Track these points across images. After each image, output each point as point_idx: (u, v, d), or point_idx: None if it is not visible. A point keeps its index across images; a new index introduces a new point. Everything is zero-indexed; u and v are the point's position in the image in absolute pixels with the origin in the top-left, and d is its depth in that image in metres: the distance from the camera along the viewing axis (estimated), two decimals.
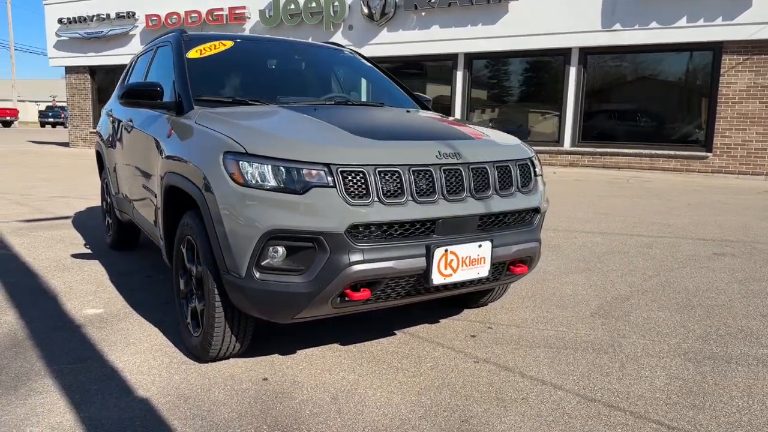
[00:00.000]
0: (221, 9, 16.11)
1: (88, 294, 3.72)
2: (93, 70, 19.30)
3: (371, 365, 2.74)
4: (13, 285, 3.91)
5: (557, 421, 2.27)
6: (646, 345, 3.02)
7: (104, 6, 18.13)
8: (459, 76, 13.92)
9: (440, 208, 2.47)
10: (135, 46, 17.69)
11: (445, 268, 2.46)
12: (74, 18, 18.69)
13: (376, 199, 2.34)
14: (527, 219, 2.85)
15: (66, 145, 20.61)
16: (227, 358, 2.73)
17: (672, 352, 2.93)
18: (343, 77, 4.09)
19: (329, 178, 2.29)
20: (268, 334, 3.07)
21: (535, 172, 2.90)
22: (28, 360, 2.75)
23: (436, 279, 2.45)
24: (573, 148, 12.91)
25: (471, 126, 3.19)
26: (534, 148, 3.14)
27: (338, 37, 14.63)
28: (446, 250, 2.45)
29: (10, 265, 4.39)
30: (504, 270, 2.78)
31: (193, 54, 3.42)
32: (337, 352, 2.88)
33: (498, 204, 2.66)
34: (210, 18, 16.30)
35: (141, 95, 3.13)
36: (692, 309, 3.59)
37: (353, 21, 14.61)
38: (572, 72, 12.73)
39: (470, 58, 13.81)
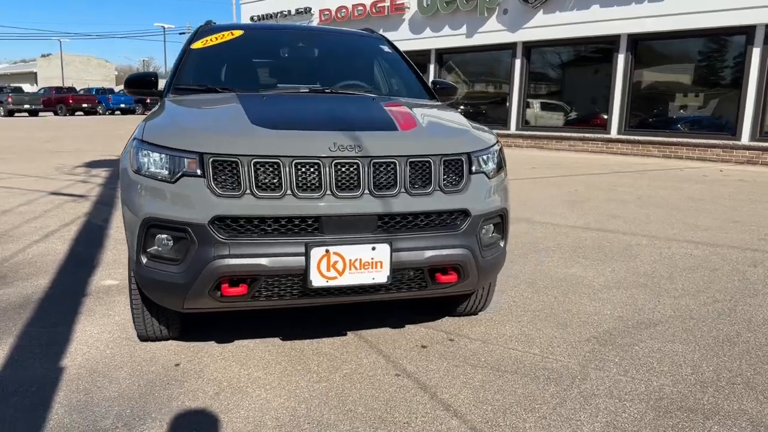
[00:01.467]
0: (383, 1, 16.50)
1: (123, 265, 4.09)
2: None
3: (287, 364, 2.65)
4: (74, 257, 4.45)
5: None
6: (619, 382, 2.50)
7: (287, 3, 19.61)
8: (620, 59, 12.63)
9: (326, 205, 2.27)
10: None
11: (328, 270, 2.27)
12: (263, 15, 20.51)
13: (248, 191, 2.23)
14: (450, 222, 2.50)
15: None
16: (160, 340, 2.83)
17: (641, 396, 2.39)
18: (356, 64, 3.96)
19: (199, 168, 2.24)
20: (227, 320, 3.11)
21: (471, 170, 2.53)
22: (15, 320, 3.12)
23: (317, 281, 2.28)
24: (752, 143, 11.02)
25: (423, 115, 2.89)
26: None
27: (492, 23, 14.18)
28: (327, 251, 2.26)
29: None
30: (426, 278, 2.48)
31: (197, 44, 3.57)
32: (269, 347, 2.83)
33: (405, 204, 2.38)
34: (373, 10, 16.80)
35: (139, 84, 3.35)
36: (728, 347, 2.88)
37: (508, 5, 14.01)
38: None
39: (634, 39, 12.43)
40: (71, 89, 39.79)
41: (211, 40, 3.62)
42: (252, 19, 20.82)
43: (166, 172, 2.28)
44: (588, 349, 2.84)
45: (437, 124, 2.84)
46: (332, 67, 3.86)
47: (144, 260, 2.35)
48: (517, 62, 14.36)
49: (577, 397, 2.38)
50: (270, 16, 20.19)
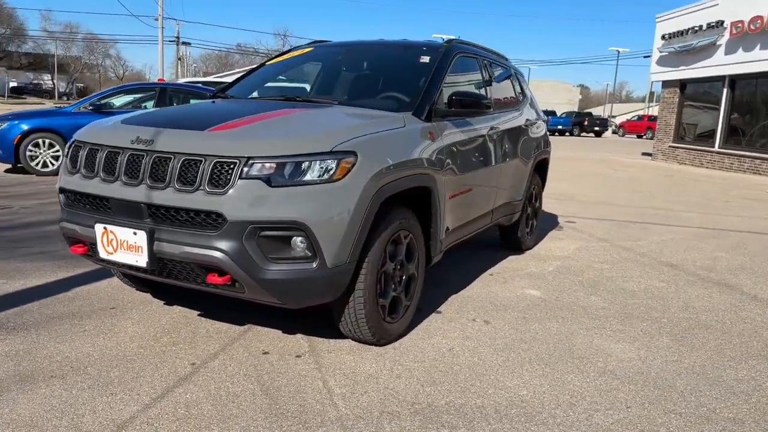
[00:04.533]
0: None
1: None
2: (683, 84, 19.08)
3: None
4: None
5: None
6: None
7: (698, 17, 17.61)
8: None
9: (114, 189, 2.77)
10: (719, 57, 16.64)
11: (107, 246, 2.80)
12: (675, 32, 18.88)
13: (81, 171, 2.93)
14: (209, 223, 2.62)
15: (649, 155, 21.22)
16: None
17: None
18: (369, 78, 4.20)
19: (67, 149, 3.06)
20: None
21: (244, 174, 2.55)
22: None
23: (102, 253, 2.83)
24: None
25: (282, 121, 3.07)
26: None
27: None
28: (105, 228, 2.78)
29: None
30: (198, 273, 2.71)
31: (271, 60, 4.38)
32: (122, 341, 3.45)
33: (167, 197, 2.64)
34: None
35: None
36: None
37: None
38: None
39: None
40: None
41: (284, 55, 4.45)
42: (664, 38, 19.39)
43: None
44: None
45: (267, 128, 2.93)
46: (348, 82, 4.15)
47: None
48: None
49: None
50: (680, 33, 18.45)
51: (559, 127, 41.49)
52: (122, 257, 2.79)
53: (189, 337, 3.17)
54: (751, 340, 3.53)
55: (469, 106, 3.66)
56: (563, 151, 23.23)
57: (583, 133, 42.19)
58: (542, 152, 5.54)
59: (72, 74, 79.10)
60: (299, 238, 2.65)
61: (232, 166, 2.59)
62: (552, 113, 44.79)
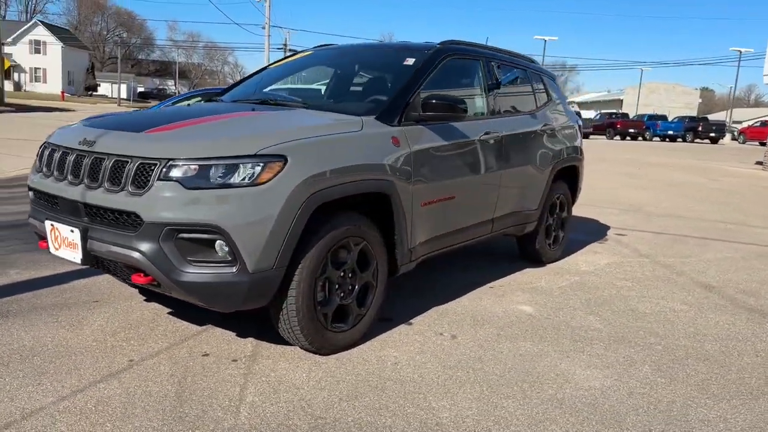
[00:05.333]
0: None
1: None
2: None
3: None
4: None
5: None
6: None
7: None
8: None
9: (61, 188, 2.90)
10: None
11: (54, 242, 2.95)
12: None
13: (43, 170, 3.11)
14: (127, 223, 2.68)
15: (760, 164, 19.30)
16: None
17: None
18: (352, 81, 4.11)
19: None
20: None
21: (163, 176, 2.59)
22: None
23: (52, 249, 2.98)
24: None
25: (229, 122, 3.11)
26: None
27: None
28: (52, 225, 2.92)
29: None
30: (125, 272, 2.79)
31: (273, 63, 4.46)
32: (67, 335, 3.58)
33: (96, 197, 2.73)
34: None
35: None
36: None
37: None
38: None
39: None
40: (624, 115, 41.72)
41: (284, 58, 4.48)
42: None
43: None
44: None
45: (201, 131, 2.94)
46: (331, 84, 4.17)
47: None
48: None
49: None
50: None
51: (670, 132, 38.97)
52: (64, 253, 2.93)
53: (145, 334, 3.26)
54: (749, 377, 3.10)
55: (443, 110, 3.49)
56: (662, 157, 21.78)
57: (697, 140, 39.29)
58: (567, 159, 5.18)
59: (193, 80, 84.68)
60: (222, 242, 2.64)
61: (152, 168, 2.64)
62: (662, 117, 42.17)
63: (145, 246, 2.64)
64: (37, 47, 64.52)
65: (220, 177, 2.62)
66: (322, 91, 4.28)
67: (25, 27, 65.08)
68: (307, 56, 4.56)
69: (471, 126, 3.97)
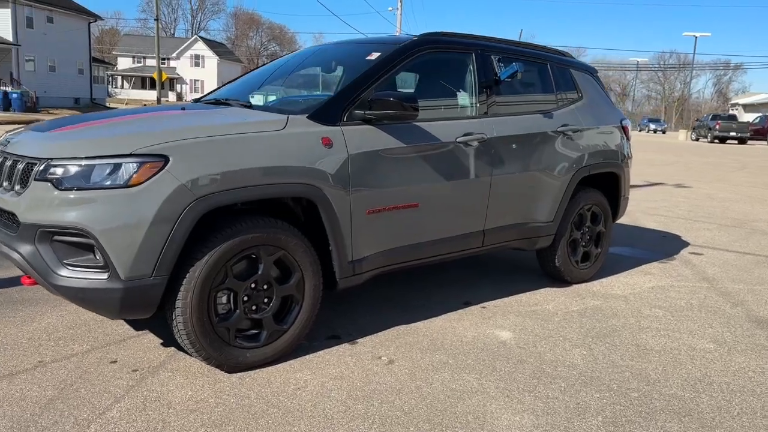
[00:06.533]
0: None
1: None
2: None
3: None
4: None
5: None
6: None
7: None
8: None
9: None
10: None
11: None
12: None
13: None
14: (10, 223, 2.68)
15: None
16: None
17: None
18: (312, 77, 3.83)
19: None
20: None
21: (40, 176, 2.53)
22: None
23: None
24: None
25: (95, 124, 2.97)
26: None
27: None
28: None
29: None
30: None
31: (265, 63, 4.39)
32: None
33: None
34: None
35: None
36: None
37: None
38: None
39: None
40: None
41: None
42: None
43: None
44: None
45: (92, 130, 2.86)
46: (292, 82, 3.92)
47: None
48: None
49: None
50: None
51: None
52: None
53: (79, 336, 3.25)
54: None
55: (390, 108, 3.12)
56: None
57: None
58: (598, 165, 4.49)
59: None
60: (92, 247, 2.54)
61: (33, 168, 2.60)
62: None
63: (22, 247, 2.61)
64: (197, 61, 70.83)
65: (94, 178, 2.52)
66: (278, 89, 4.07)
67: (187, 43, 71.71)
68: (294, 54, 4.37)
69: (446, 127, 3.54)
